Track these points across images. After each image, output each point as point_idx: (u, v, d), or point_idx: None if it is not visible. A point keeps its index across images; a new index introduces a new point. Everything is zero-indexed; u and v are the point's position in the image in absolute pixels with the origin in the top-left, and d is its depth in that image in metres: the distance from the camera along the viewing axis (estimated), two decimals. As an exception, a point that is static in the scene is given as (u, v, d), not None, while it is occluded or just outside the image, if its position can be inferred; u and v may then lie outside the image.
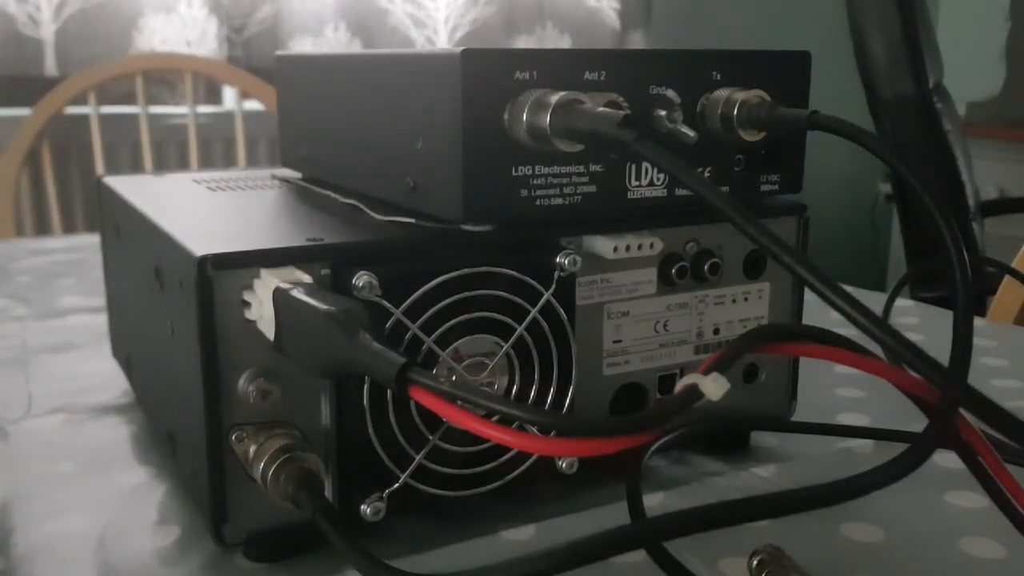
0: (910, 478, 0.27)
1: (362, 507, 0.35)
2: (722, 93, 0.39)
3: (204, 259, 0.33)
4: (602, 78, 0.37)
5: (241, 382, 0.34)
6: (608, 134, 0.32)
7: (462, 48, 0.34)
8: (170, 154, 1.61)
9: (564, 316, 0.38)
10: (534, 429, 0.32)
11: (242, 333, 0.33)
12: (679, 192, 0.40)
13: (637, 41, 1.98)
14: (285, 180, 0.52)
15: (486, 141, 0.35)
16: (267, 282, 0.32)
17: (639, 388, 0.42)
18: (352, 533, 0.29)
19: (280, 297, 0.31)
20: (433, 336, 0.35)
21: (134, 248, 0.45)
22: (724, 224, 0.39)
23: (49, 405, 0.51)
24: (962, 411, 0.28)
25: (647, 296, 0.41)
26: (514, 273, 0.36)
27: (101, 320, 0.59)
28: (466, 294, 0.35)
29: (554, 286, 0.37)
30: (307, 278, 0.33)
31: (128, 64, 1.49)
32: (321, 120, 0.48)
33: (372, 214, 0.40)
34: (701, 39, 2.22)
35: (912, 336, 0.54)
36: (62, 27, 1.48)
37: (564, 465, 0.38)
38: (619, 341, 0.41)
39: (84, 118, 1.49)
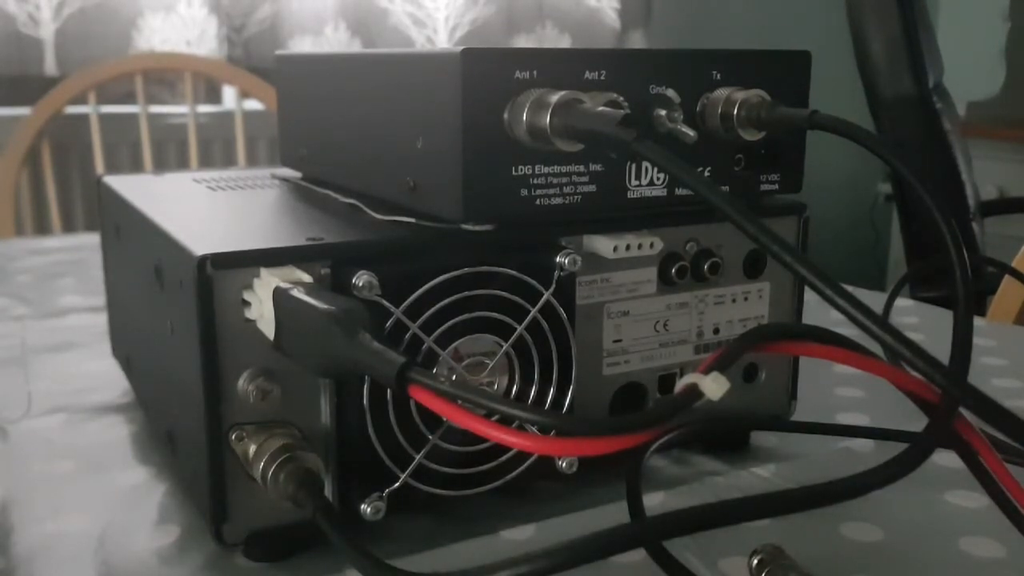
0: (910, 478, 0.27)
1: (362, 507, 0.35)
2: (722, 93, 0.39)
3: (204, 259, 0.33)
4: (602, 78, 0.37)
5: (241, 382, 0.34)
6: (608, 133, 0.32)
7: (462, 48, 0.34)
8: (170, 154, 1.61)
9: (564, 316, 0.38)
10: (534, 429, 0.32)
11: (242, 333, 0.33)
12: (679, 192, 0.40)
13: (637, 41, 1.98)
14: (285, 180, 0.52)
15: (486, 141, 0.35)
16: (267, 281, 0.32)
17: (639, 388, 0.42)
18: (352, 533, 0.29)
19: (280, 297, 0.31)
20: (433, 336, 0.35)
21: (134, 248, 0.45)
22: (724, 224, 0.39)
23: (49, 405, 0.51)
24: (962, 410, 0.28)
25: (647, 296, 0.41)
26: (514, 273, 0.36)
27: (101, 320, 0.59)
28: (466, 294, 0.35)
29: (554, 286, 0.37)
30: (307, 277, 0.33)
31: (128, 64, 1.49)
32: (321, 120, 0.48)
33: (372, 214, 0.40)
34: (701, 39, 2.22)
35: (912, 336, 0.54)
36: (62, 27, 1.48)
37: (564, 465, 0.38)
38: (619, 341, 0.41)
39: (84, 118, 1.49)
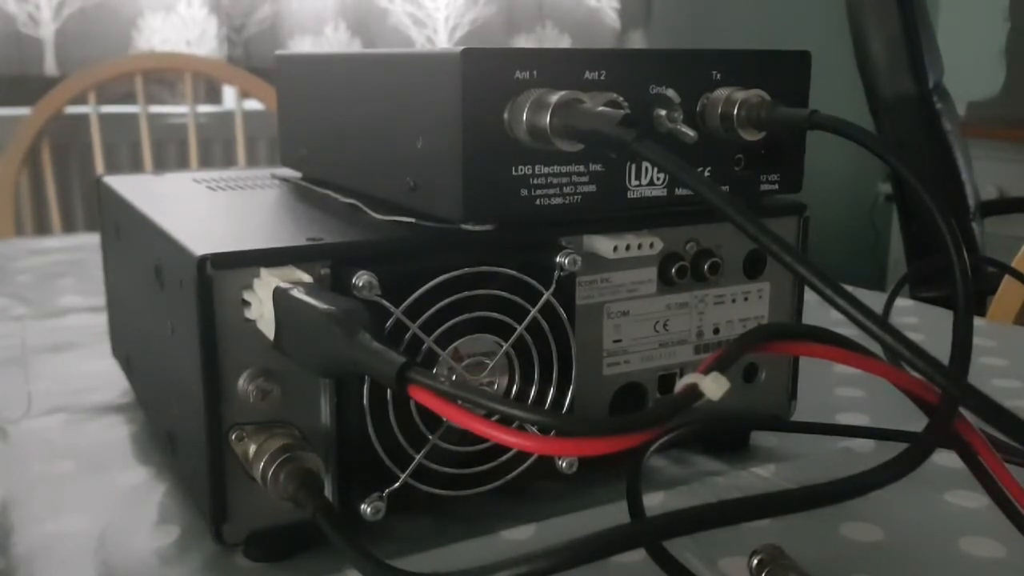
0: (910, 478, 0.27)
1: (362, 507, 0.35)
2: (722, 93, 0.39)
3: (204, 259, 0.33)
4: (602, 78, 0.37)
5: (241, 382, 0.34)
6: (608, 133, 0.32)
7: (462, 48, 0.34)
8: (170, 154, 1.61)
9: (564, 316, 0.38)
10: (534, 429, 0.32)
11: (242, 333, 0.33)
12: (679, 191, 0.40)
13: (637, 41, 1.98)
14: (285, 180, 0.52)
15: (486, 141, 0.35)
16: (267, 281, 0.32)
17: (639, 388, 0.42)
18: (352, 533, 0.29)
19: (280, 297, 0.31)
20: (433, 336, 0.35)
21: (134, 248, 0.45)
22: (724, 224, 0.39)
23: (49, 405, 0.51)
24: (962, 410, 0.28)
25: (647, 296, 0.41)
26: (514, 273, 0.36)
27: (101, 320, 0.59)
28: (466, 294, 0.35)
29: (554, 286, 0.37)
30: (307, 278, 0.33)
31: (128, 64, 1.49)
32: (321, 120, 0.48)
33: (372, 214, 0.40)
34: (701, 39, 2.22)
35: (912, 336, 0.54)
36: (62, 27, 1.48)
37: (564, 465, 0.38)
38: (619, 341, 0.41)
39: (84, 118, 1.49)
